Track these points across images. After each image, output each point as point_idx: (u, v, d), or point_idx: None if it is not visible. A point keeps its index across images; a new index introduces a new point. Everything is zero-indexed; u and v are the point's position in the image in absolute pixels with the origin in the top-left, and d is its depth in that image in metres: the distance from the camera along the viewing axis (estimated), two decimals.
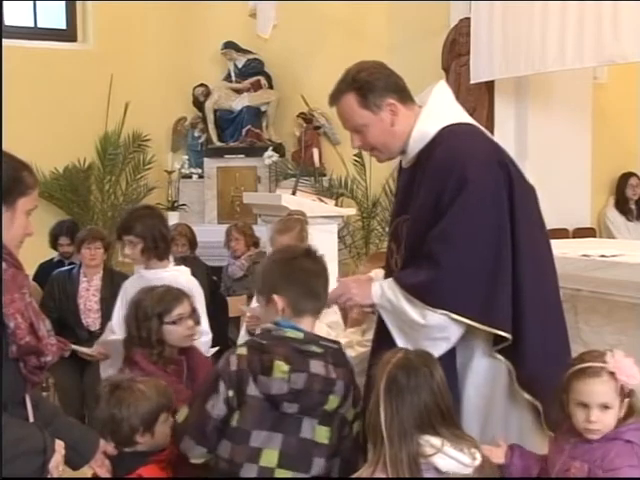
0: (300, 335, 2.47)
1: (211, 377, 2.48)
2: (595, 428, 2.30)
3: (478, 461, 2.35)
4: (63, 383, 5.32)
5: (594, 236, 6.71)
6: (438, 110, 2.74)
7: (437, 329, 2.56)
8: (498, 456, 2.50)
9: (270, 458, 2.40)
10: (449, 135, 2.66)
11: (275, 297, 2.51)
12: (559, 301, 2.75)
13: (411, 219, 2.71)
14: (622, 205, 7.61)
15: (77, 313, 5.36)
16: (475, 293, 2.54)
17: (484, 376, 2.64)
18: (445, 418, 2.36)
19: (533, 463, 2.51)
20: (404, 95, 2.74)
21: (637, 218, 7.61)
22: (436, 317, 2.54)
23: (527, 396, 2.57)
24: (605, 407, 2.30)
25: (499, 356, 2.61)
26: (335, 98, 2.76)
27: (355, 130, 2.77)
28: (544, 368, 2.58)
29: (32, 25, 8.96)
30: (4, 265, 2.22)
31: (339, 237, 6.11)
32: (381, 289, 2.66)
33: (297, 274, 2.54)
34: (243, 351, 2.45)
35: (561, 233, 6.61)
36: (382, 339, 2.74)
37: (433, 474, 2.32)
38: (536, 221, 2.73)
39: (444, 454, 2.31)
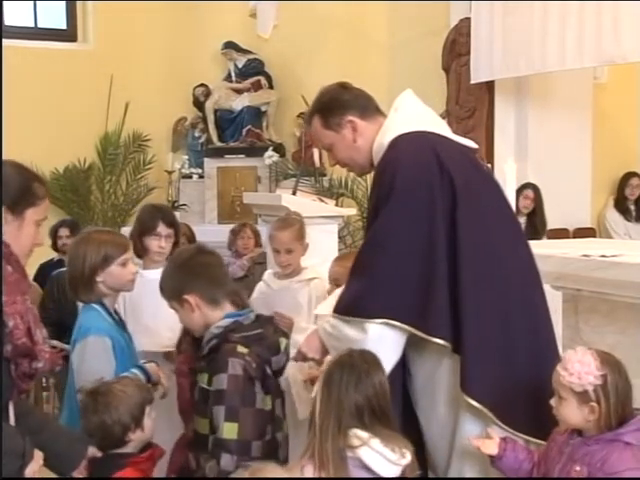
0: (252, 315, 2.73)
1: (241, 386, 2.54)
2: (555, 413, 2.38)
3: (406, 460, 2.40)
4: (64, 383, 5.31)
5: (594, 236, 6.70)
6: (396, 121, 2.82)
7: (380, 340, 2.57)
8: (490, 447, 2.51)
9: (281, 424, 2.76)
10: (391, 145, 2.73)
11: (186, 297, 2.66)
12: (523, 305, 2.70)
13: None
14: (621, 205, 7.61)
15: (76, 313, 5.35)
16: (409, 299, 2.56)
17: (453, 377, 2.64)
18: (378, 417, 2.42)
19: (525, 457, 2.52)
20: (367, 110, 2.86)
21: (636, 219, 7.61)
22: (376, 327, 2.57)
23: (471, 401, 2.55)
24: (560, 397, 2.35)
25: (457, 356, 2.61)
26: (307, 122, 3.02)
27: (326, 149, 2.98)
28: (493, 371, 2.58)
29: (32, 25, 8.98)
30: (10, 269, 2.24)
31: (339, 237, 6.11)
32: (325, 331, 2.73)
33: (198, 269, 2.72)
34: (243, 349, 2.58)
35: (561, 233, 6.62)
36: None
37: (359, 469, 2.37)
38: (492, 227, 2.70)
39: (369, 447, 2.38)
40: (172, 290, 2.72)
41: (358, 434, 2.39)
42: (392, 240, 2.58)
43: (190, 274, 2.70)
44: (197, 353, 2.73)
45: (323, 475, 2.36)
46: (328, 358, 2.85)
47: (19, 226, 2.30)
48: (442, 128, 2.89)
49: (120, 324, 3.21)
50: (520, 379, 2.61)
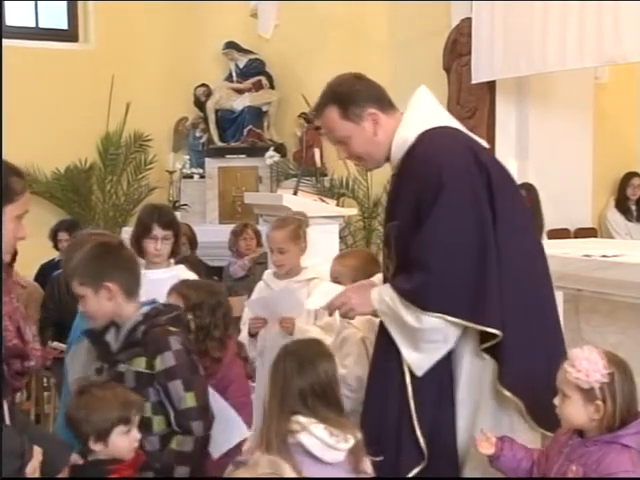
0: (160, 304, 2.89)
1: (186, 358, 2.74)
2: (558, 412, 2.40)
3: (348, 445, 2.43)
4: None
5: (595, 236, 6.69)
6: (417, 115, 2.80)
7: (433, 332, 2.61)
8: (486, 447, 2.52)
9: None
10: (425, 140, 2.71)
11: (108, 284, 2.73)
12: (547, 300, 2.76)
13: (398, 225, 2.77)
14: (622, 205, 7.61)
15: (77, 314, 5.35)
16: (465, 294, 2.58)
17: (474, 375, 2.67)
18: (324, 403, 2.47)
19: (523, 455, 2.52)
20: (385, 104, 2.80)
21: (637, 219, 7.61)
22: (431, 320, 2.59)
23: (508, 394, 2.60)
24: (564, 396, 2.36)
25: (486, 355, 2.63)
26: (318, 112, 2.87)
27: (339, 142, 2.84)
28: (527, 365, 2.62)
29: (34, 25, 8.99)
30: None
31: (340, 237, 6.11)
32: (379, 295, 2.72)
33: (122, 261, 2.84)
34: (174, 328, 2.77)
35: (562, 233, 6.61)
36: (383, 345, 2.77)
37: (303, 455, 2.42)
38: (518, 219, 2.74)
39: (309, 433, 2.42)
40: (93, 274, 2.76)
41: (299, 420, 2.43)
42: (448, 237, 2.59)
43: (115, 263, 2.80)
44: (100, 346, 2.83)
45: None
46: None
47: None
48: (457, 124, 2.89)
49: None
50: (542, 375, 2.62)
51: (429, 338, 2.62)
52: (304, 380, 2.47)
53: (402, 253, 2.73)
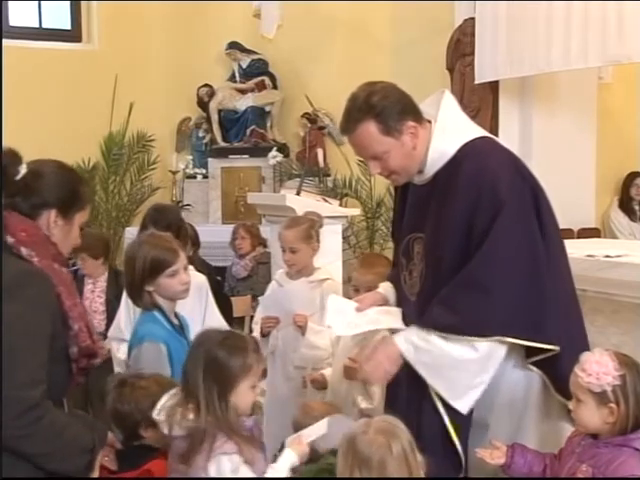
0: None
1: None
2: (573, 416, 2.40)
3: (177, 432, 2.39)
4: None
5: (599, 236, 6.69)
6: (452, 125, 2.68)
7: (488, 357, 2.52)
8: (497, 456, 2.52)
9: None
10: (472, 153, 2.60)
11: None
12: (577, 301, 2.75)
13: (429, 239, 2.65)
14: (626, 205, 7.60)
15: None
16: (524, 313, 2.50)
17: (517, 387, 2.63)
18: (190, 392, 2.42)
19: (534, 459, 2.53)
20: (418, 114, 2.63)
21: None
22: (488, 345, 2.50)
23: (565, 402, 2.53)
24: (578, 400, 2.36)
25: (533, 368, 2.60)
26: (350, 128, 2.60)
27: (374, 157, 2.63)
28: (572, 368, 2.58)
29: (37, 26, 8.99)
30: (65, 270, 2.32)
31: (343, 237, 6.10)
32: (412, 345, 2.56)
33: None
34: None
35: (566, 233, 6.54)
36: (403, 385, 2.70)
37: None
38: (556, 225, 2.70)
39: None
40: None
41: None
42: (507, 255, 2.49)
43: None
44: None
45: None
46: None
47: (68, 229, 2.36)
48: (484, 132, 2.80)
49: (179, 329, 3.20)
50: None
51: (485, 365, 2.51)
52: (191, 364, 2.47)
53: (435, 268, 2.61)
